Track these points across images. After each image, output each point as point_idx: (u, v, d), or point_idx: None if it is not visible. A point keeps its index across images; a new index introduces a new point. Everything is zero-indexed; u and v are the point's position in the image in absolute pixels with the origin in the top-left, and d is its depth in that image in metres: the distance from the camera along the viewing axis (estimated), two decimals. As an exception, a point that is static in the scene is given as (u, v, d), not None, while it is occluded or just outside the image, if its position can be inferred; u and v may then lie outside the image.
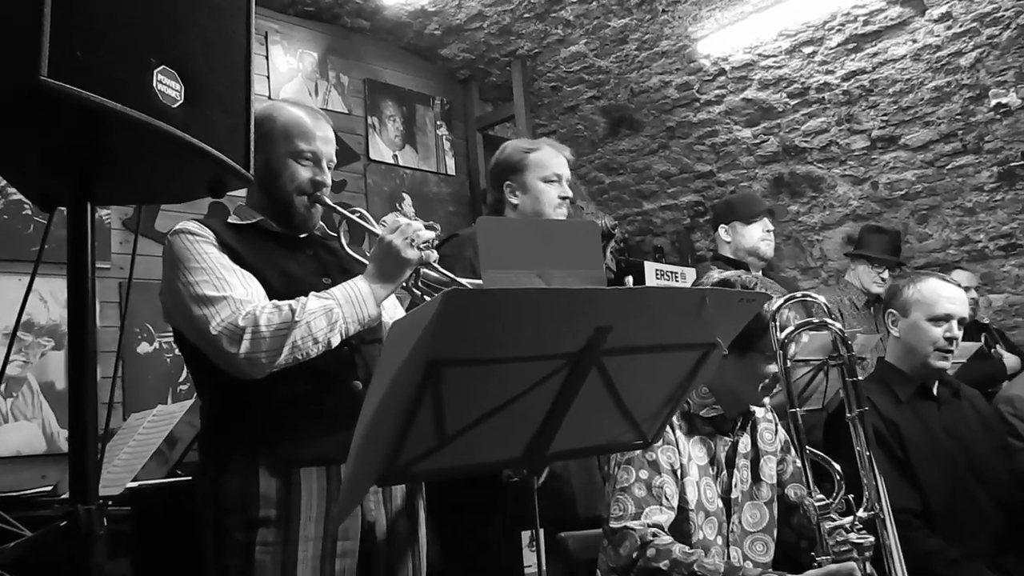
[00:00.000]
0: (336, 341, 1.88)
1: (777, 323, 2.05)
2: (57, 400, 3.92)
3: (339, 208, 2.10)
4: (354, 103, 5.38)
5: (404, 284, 1.98)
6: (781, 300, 2.09)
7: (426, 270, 1.99)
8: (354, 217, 2.09)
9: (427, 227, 2.00)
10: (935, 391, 2.84)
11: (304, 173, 2.04)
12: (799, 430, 2.02)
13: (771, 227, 3.75)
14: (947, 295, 2.78)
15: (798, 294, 2.18)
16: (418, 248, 1.94)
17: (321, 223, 2.16)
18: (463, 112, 6.01)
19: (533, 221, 1.67)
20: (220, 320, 1.79)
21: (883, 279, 4.24)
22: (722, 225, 3.80)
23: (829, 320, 2.11)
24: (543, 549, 1.48)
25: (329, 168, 2.10)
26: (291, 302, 1.84)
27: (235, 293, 1.84)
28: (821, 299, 2.19)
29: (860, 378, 2.07)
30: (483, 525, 2.58)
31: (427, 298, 2.01)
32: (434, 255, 1.97)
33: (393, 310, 2.21)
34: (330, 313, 1.85)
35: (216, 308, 1.80)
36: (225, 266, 1.89)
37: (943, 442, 2.72)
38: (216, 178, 1.50)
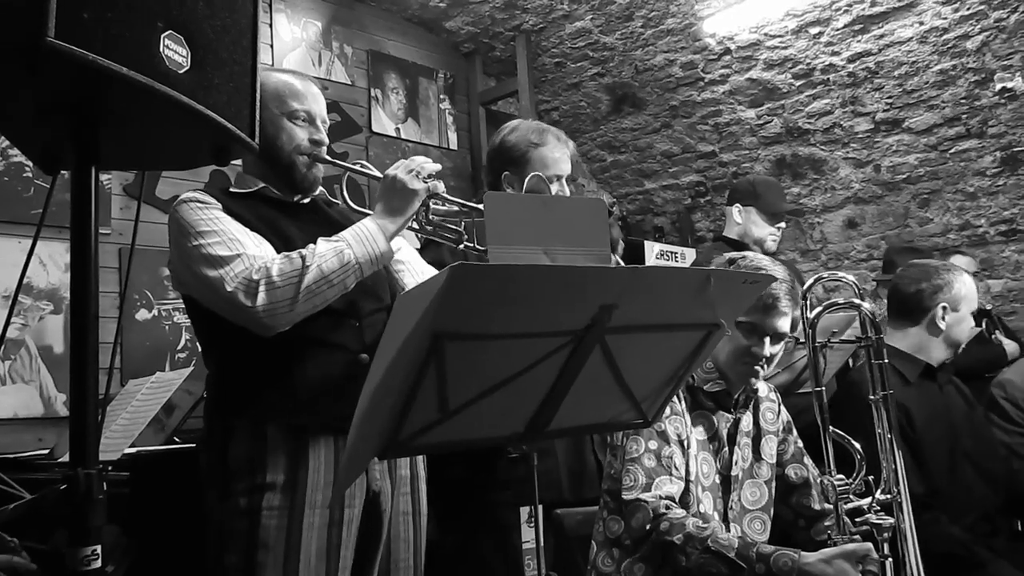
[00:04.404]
0: (351, 283, 1.87)
1: (808, 302, 2.06)
2: (55, 364, 3.93)
3: (340, 162, 2.10)
4: (357, 74, 5.35)
5: (416, 219, 1.97)
6: (812, 280, 2.10)
7: (435, 204, 1.99)
8: (356, 167, 2.08)
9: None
10: (936, 374, 2.87)
11: (301, 132, 2.04)
12: (823, 408, 2.03)
13: (783, 225, 3.69)
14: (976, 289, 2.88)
15: (825, 274, 2.18)
16: (424, 180, 1.92)
17: (322, 188, 2.16)
18: (466, 86, 5.98)
19: (540, 197, 1.66)
20: (234, 276, 1.78)
21: None
22: (738, 205, 3.66)
23: (857, 300, 2.11)
24: (541, 525, 1.48)
25: (323, 126, 2.09)
26: (301, 250, 1.84)
27: (248, 250, 1.84)
28: (850, 278, 2.19)
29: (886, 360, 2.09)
30: (478, 500, 2.59)
31: (440, 233, 2.03)
32: (441, 186, 1.96)
33: (409, 254, 2.22)
34: (341, 254, 1.84)
35: (230, 266, 1.80)
36: (236, 228, 1.89)
37: (944, 423, 2.76)
38: (221, 145, 1.49)
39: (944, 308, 2.83)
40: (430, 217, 2.00)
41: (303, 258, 1.82)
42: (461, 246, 2.04)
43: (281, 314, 1.79)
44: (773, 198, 3.66)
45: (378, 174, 2.01)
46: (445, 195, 1.97)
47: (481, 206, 1.96)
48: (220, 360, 1.99)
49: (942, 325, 2.83)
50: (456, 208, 2.01)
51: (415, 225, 2.00)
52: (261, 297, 1.76)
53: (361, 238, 1.88)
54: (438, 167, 1.97)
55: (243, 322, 1.81)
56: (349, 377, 1.90)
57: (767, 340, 2.10)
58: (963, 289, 2.83)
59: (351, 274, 1.86)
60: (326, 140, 2.09)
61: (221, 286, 1.78)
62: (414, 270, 2.18)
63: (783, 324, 2.11)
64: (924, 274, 2.91)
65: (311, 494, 1.86)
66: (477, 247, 2.02)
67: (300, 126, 2.04)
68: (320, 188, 2.14)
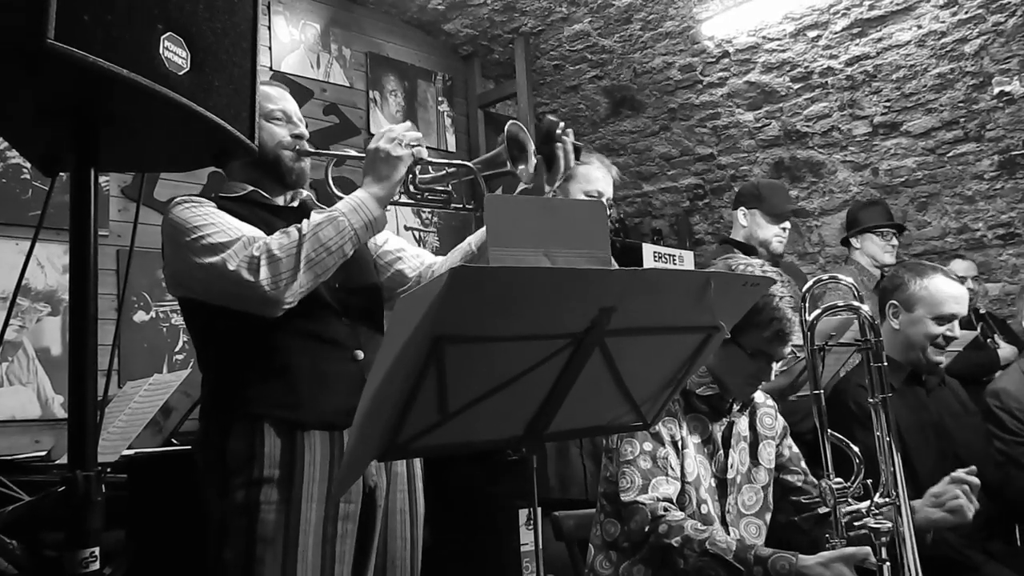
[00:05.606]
0: (349, 250, 1.90)
1: (807, 305, 2.07)
2: (52, 366, 3.92)
3: (324, 151, 2.16)
4: (356, 76, 5.34)
5: (401, 187, 1.99)
6: (812, 282, 2.10)
7: (420, 174, 2.02)
8: (339, 152, 2.13)
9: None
10: (923, 378, 2.85)
11: (280, 130, 2.09)
12: (821, 411, 2.03)
13: (788, 226, 3.70)
14: (953, 295, 2.77)
15: (824, 276, 2.18)
16: (407, 146, 1.95)
17: (309, 193, 2.19)
18: (465, 89, 5.97)
19: (540, 199, 1.66)
20: (235, 254, 1.81)
21: (893, 246, 4.20)
22: (743, 208, 3.69)
23: (856, 303, 2.11)
24: (540, 527, 1.48)
25: (300, 123, 2.14)
26: (296, 224, 1.87)
27: (247, 233, 1.87)
28: (848, 280, 2.19)
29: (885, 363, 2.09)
30: (474, 501, 2.59)
31: (428, 198, 2.06)
32: (424, 151, 1.98)
33: (398, 242, 2.27)
34: (335, 221, 1.87)
35: (232, 249, 1.82)
36: (232, 219, 1.92)
37: (932, 428, 2.75)
38: (220, 147, 1.50)
39: (893, 307, 2.81)
40: (417, 184, 2.03)
41: (299, 230, 1.85)
42: (451, 208, 2.06)
43: (285, 286, 1.80)
44: (777, 200, 3.68)
45: (362, 153, 2.04)
46: (429, 159, 2.00)
47: (468, 163, 1.99)
48: (216, 359, 2.00)
49: (895, 324, 2.81)
50: (442, 172, 2.05)
51: (403, 198, 2.02)
52: (264, 271, 1.79)
53: (353, 206, 1.91)
54: (419, 134, 2.00)
55: (249, 301, 1.83)
56: (343, 372, 1.93)
57: (775, 363, 2.14)
58: (920, 291, 2.77)
59: (348, 241, 1.88)
60: (306, 133, 2.14)
61: (224, 267, 1.80)
62: (408, 254, 2.24)
63: (789, 348, 2.13)
64: (896, 271, 2.91)
65: (307, 488, 1.87)
66: (466, 206, 2.05)
67: (278, 124, 2.09)
68: (308, 192, 2.17)
